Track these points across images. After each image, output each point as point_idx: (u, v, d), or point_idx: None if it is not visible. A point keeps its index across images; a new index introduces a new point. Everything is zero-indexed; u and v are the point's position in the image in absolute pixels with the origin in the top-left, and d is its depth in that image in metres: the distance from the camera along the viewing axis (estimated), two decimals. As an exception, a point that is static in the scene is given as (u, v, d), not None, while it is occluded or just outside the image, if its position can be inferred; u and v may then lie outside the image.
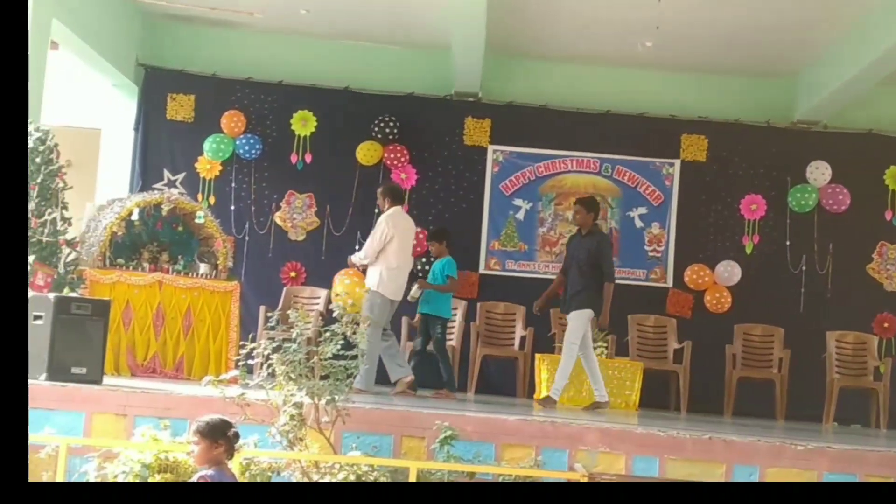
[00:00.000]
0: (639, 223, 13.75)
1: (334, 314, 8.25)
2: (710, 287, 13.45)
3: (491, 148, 13.78)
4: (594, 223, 10.77)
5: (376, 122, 13.43)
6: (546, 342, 12.54)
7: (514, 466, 7.84)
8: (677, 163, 13.77)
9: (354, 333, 8.01)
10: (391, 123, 13.43)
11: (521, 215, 13.75)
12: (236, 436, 5.83)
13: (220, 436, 5.71)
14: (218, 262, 10.85)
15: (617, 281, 13.24)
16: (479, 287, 13.49)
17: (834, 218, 13.53)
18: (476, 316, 12.89)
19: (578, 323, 10.38)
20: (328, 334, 7.93)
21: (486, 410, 9.20)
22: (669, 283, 13.62)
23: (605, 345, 11.70)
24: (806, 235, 13.60)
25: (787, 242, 13.61)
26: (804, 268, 13.56)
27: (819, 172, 13.49)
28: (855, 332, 12.96)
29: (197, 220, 10.92)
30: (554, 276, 13.44)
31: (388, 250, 10.28)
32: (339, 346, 7.87)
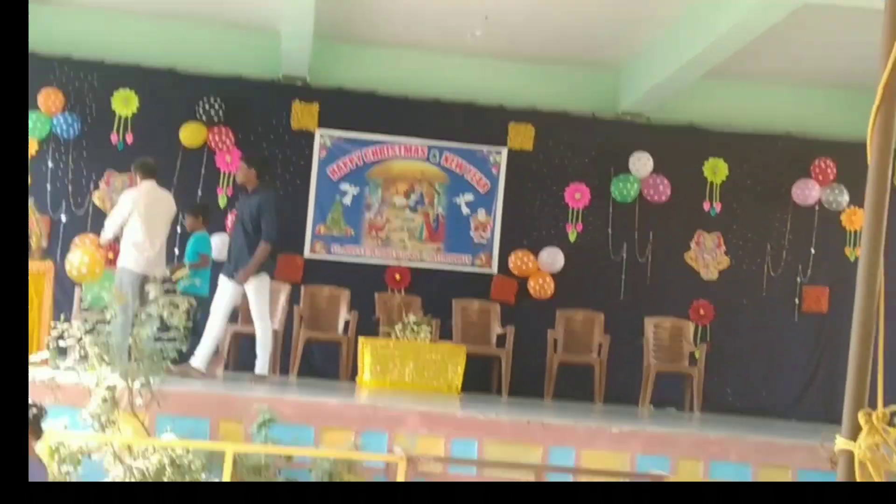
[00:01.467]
0: (465, 210, 13.81)
1: (150, 296, 8.08)
2: (534, 273, 13.60)
3: (318, 132, 13.66)
4: (259, 181, 10.37)
5: (201, 103, 13.17)
6: (371, 326, 12.50)
7: (332, 449, 7.80)
8: (504, 150, 13.87)
9: (172, 315, 7.85)
10: (216, 105, 13.18)
11: (347, 200, 13.67)
12: (36, 416, 5.64)
13: None
14: (31, 243, 10.49)
15: (443, 266, 13.58)
16: (303, 271, 13.36)
17: (655, 207, 13.82)
18: (300, 299, 12.77)
19: (259, 291, 10.22)
20: (144, 316, 7.77)
21: (306, 393, 9.15)
22: (494, 269, 13.72)
23: (430, 329, 11.72)
24: (628, 224, 13.86)
25: (609, 230, 13.85)
26: (625, 255, 13.83)
27: (641, 163, 13.76)
28: (672, 318, 13.28)
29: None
30: (379, 262, 13.52)
31: (133, 225, 10.06)
32: (154, 328, 7.73)
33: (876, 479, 3.17)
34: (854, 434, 3.23)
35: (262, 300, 10.19)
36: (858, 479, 3.20)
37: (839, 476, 3.29)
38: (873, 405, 3.25)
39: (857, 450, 3.20)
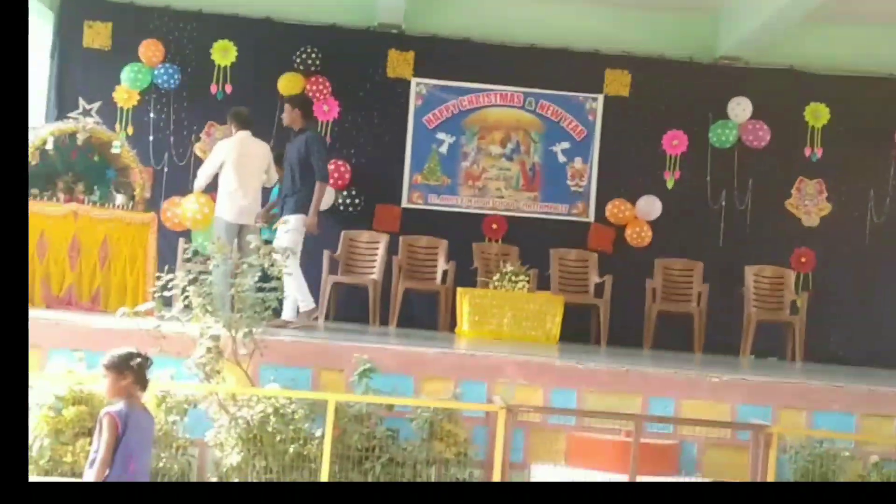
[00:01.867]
0: (561, 158, 13.74)
1: (251, 246, 8.19)
2: (631, 221, 13.51)
3: (414, 81, 13.66)
4: (304, 121, 10.23)
5: (298, 52, 13.26)
6: (468, 276, 12.54)
7: (433, 399, 7.86)
8: (600, 97, 13.77)
9: (272, 265, 7.96)
10: (313, 54, 13.26)
11: (444, 149, 13.68)
12: (141, 365, 5.76)
13: (125, 367, 5.68)
14: (135, 193, 10.66)
15: (539, 215, 13.55)
16: (401, 221, 13.42)
17: (754, 154, 13.63)
18: (398, 249, 12.84)
19: (292, 228, 9.89)
20: (245, 266, 7.88)
21: (405, 343, 9.20)
22: (591, 218, 13.66)
23: (527, 278, 11.71)
24: (726, 171, 13.68)
25: (708, 178, 13.69)
26: (724, 203, 13.66)
27: (740, 108, 13.57)
28: (773, 267, 13.13)
29: (113, 150, 10.72)
30: (477, 211, 13.54)
31: (226, 174, 10.10)
32: (256, 279, 7.83)
33: None
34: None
35: (291, 239, 9.82)
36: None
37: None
38: None
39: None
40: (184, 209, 12.36)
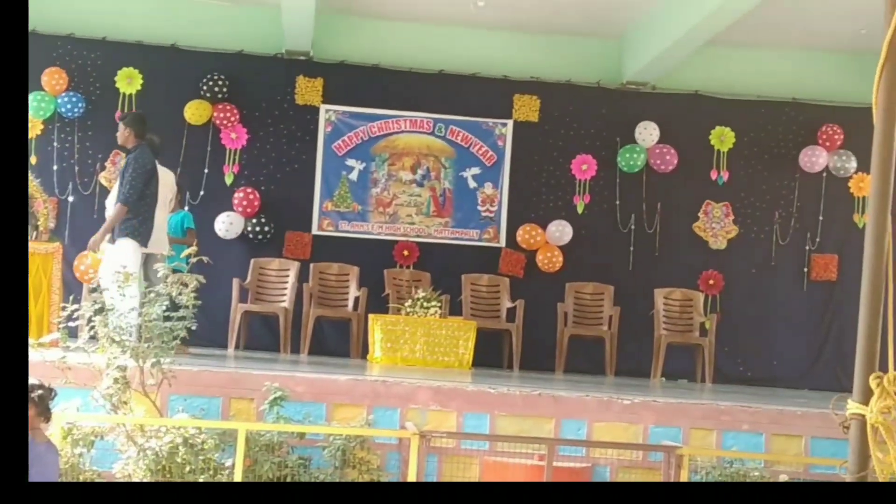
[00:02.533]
0: (472, 183, 13.78)
1: (158, 274, 8.09)
2: (543, 246, 13.57)
3: (323, 107, 13.62)
4: (138, 139, 9.73)
5: (205, 80, 13.14)
6: (380, 302, 12.51)
7: (345, 426, 7.81)
8: (510, 123, 13.84)
9: (181, 294, 7.85)
10: (220, 82, 13.15)
11: (354, 176, 13.64)
12: (43, 397, 5.62)
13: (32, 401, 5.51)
14: (38, 224, 10.48)
15: (451, 241, 13.56)
16: (311, 248, 13.35)
17: (662, 177, 13.78)
18: (309, 277, 12.77)
19: (121, 256, 9.20)
20: (152, 295, 7.77)
21: (316, 371, 9.15)
22: (502, 243, 13.70)
23: (439, 304, 11.71)
24: (635, 195, 13.82)
25: (617, 202, 13.81)
26: (633, 227, 13.78)
27: (647, 133, 13.71)
28: (682, 290, 13.26)
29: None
30: (389, 237, 13.52)
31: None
32: (164, 308, 7.73)
33: (889, 442, 3.16)
34: (866, 398, 3.22)
35: (114, 266, 8.77)
36: (871, 443, 3.18)
37: (851, 441, 3.28)
38: (884, 369, 3.23)
39: (870, 414, 3.19)
40: (94, 260, 11.93)
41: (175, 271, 8.11)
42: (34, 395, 5.56)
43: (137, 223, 9.47)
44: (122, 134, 9.90)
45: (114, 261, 9.23)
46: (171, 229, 11.18)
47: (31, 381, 5.67)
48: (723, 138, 13.90)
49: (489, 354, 12.31)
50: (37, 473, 5.39)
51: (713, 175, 13.92)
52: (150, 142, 10.19)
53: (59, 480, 5.77)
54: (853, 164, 13.73)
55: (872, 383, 3.18)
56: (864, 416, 3.20)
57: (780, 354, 13.64)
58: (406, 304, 11.62)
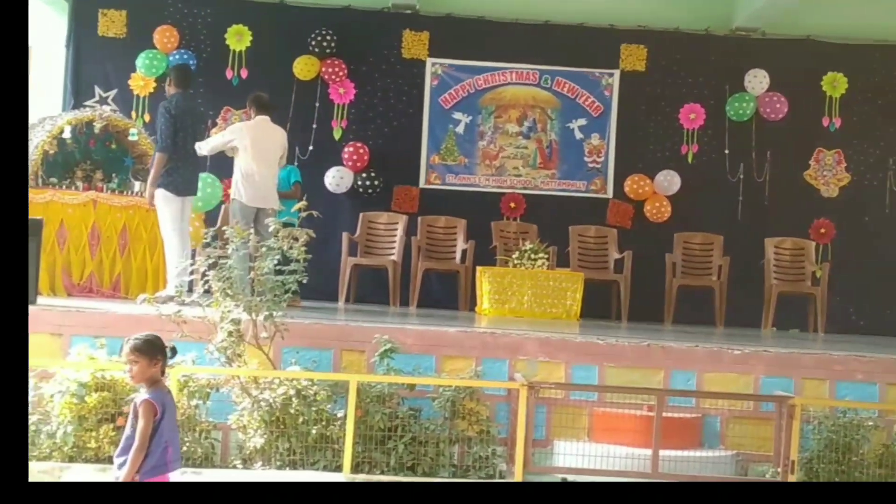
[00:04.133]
0: (578, 134, 13.71)
1: (270, 229, 8.21)
2: (650, 197, 13.47)
3: (430, 61, 13.64)
4: (177, 88, 9.94)
5: (313, 35, 13.24)
6: (488, 255, 12.54)
7: (454, 378, 7.87)
8: (616, 73, 13.72)
9: (291, 248, 7.95)
10: (328, 37, 13.24)
11: (460, 129, 13.66)
12: (173, 351, 5.77)
13: (158, 352, 5.61)
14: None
15: (558, 192, 13.52)
16: (419, 201, 13.43)
17: (771, 126, 13.56)
18: (417, 230, 12.85)
19: (159, 206, 9.66)
20: (264, 249, 7.89)
21: (426, 323, 9.22)
22: (610, 194, 13.63)
23: (547, 256, 11.69)
24: (744, 144, 13.62)
25: (726, 151, 13.63)
26: (742, 176, 13.60)
27: (757, 81, 13.50)
28: (793, 238, 13.08)
29: (130, 138, 10.76)
30: (495, 190, 13.54)
31: (241, 158, 10.05)
32: (276, 262, 7.84)
33: None
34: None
35: (161, 217, 9.67)
36: None
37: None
38: None
39: None
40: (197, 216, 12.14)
41: (286, 225, 8.21)
42: (167, 349, 5.68)
43: (169, 173, 9.64)
44: (167, 86, 10.13)
45: (159, 212, 9.58)
46: (280, 184, 11.35)
47: (156, 335, 5.79)
48: (835, 84, 13.63)
49: (597, 306, 12.28)
50: (169, 426, 5.53)
51: (825, 122, 13.66)
52: (256, 98, 10.36)
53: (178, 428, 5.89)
54: (971, 107, 13.37)
55: None
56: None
57: (894, 303, 13.37)
58: (513, 256, 11.63)
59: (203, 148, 10.07)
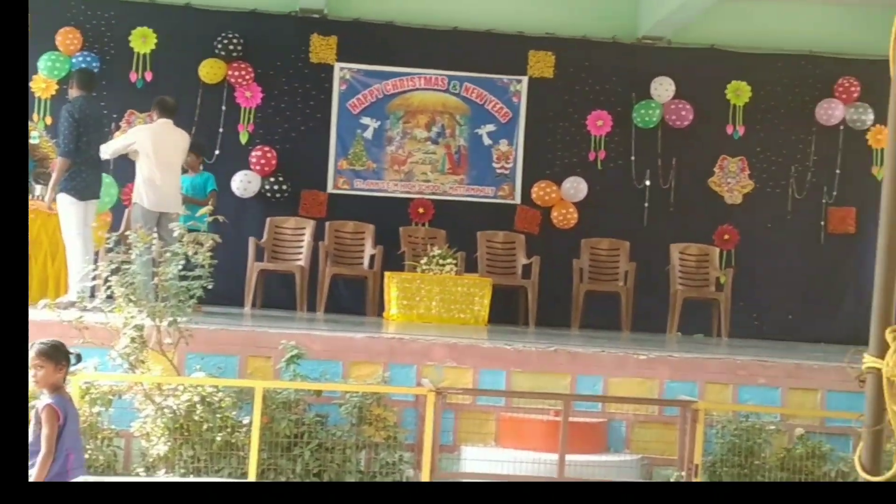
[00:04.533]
0: (487, 140, 13.73)
1: (174, 234, 8.10)
2: (558, 203, 13.54)
3: (338, 65, 13.57)
4: (79, 91, 9.80)
5: (219, 38, 13.08)
6: (396, 260, 12.51)
7: (361, 384, 7.84)
8: (525, 79, 13.76)
9: (196, 254, 7.87)
10: (234, 40, 13.10)
11: (369, 134, 13.61)
12: (78, 358, 5.68)
13: (63, 357, 5.55)
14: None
15: (466, 198, 13.54)
16: (327, 206, 13.34)
17: (677, 133, 13.70)
18: (325, 235, 12.77)
19: (61, 211, 9.51)
20: (169, 255, 7.80)
21: (333, 329, 9.18)
22: (517, 200, 13.66)
23: (455, 261, 11.71)
24: (650, 150, 13.75)
25: (632, 157, 13.74)
26: (648, 182, 13.72)
27: (663, 88, 13.64)
28: (697, 245, 13.24)
29: (31, 141, 10.56)
30: (404, 195, 13.51)
31: (143, 161, 9.97)
32: (180, 267, 7.75)
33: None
34: (881, 352, 3.21)
35: (64, 221, 9.50)
36: (887, 397, 3.18)
37: (867, 395, 3.28)
38: (901, 324, 3.22)
39: (885, 368, 3.18)
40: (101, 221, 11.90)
41: (191, 230, 8.12)
42: (70, 354, 5.60)
43: (71, 177, 9.48)
44: (70, 88, 9.99)
45: (61, 217, 9.44)
46: (193, 190, 11.26)
47: (59, 340, 5.71)
48: (739, 93, 13.82)
49: (505, 311, 12.32)
50: (72, 432, 5.44)
51: (729, 130, 13.84)
52: (160, 101, 10.27)
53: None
54: (870, 116, 13.64)
55: (888, 337, 3.18)
56: (879, 369, 3.19)
57: (798, 308, 13.60)
58: (422, 262, 11.62)
59: (105, 152, 9.96)
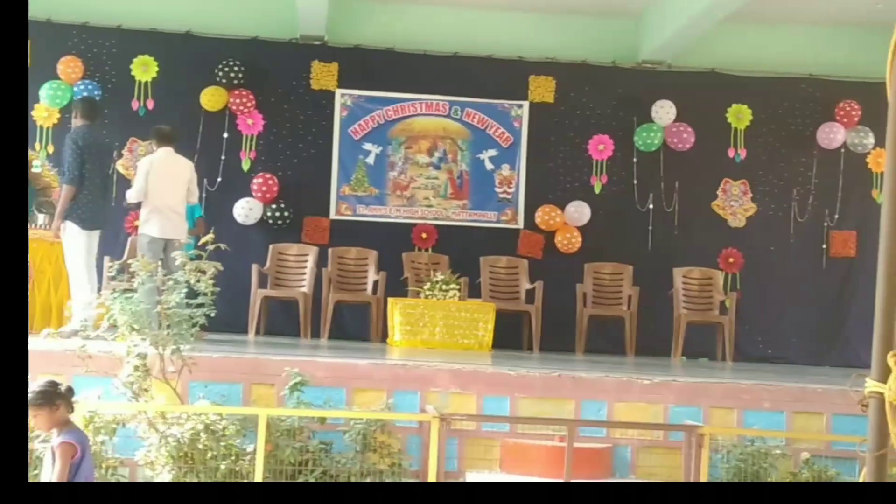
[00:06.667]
0: (489, 165, 13.75)
1: (176, 262, 8.11)
2: (561, 227, 13.55)
3: (339, 92, 13.61)
4: (83, 120, 9.98)
5: (220, 66, 13.13)
6: (399, 286, 12.50)
7: (365, 410, 7.83)
8: (526, 104, 13.79)
9: (199, 282, 7.87)
10: (235, 68, 13.14)
11: (370, 160, 13.63)
12: (70, 391, 5.67)
13: (55, 398, 5.55)
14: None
15: (469, 223, 13.55)
16: (330, 232, 13.36)
17: (679, 156, 13.72)
18: (328, 261, 12.78)
19: (67, 240, 9.65)
20: (171, 283, 7.80)
21: (336, 355, 9.17)
22: (520, 225, 13.67)
23: (458, 287, 11.71)
24: (653, 174, 13.77)
25: (635, 181, 13.76)
26: (651, 206, 13.73)
27: (664, 111, 13.66)
28: (701, 268, 13.22)
29: (33, 170, 10.60)
30: (405, 220, 13.52)
31: (149, 192, 10.00)
32: (183, 295, 7.76)
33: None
34: (884, 376, 3.20)
35: (68, 250, 9.67)
36: (890, 421, 3.17)
37: (870, 419, 3.26)
38: (903, 348, 3.21)
39: (888, 392, 3.17)
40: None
41: (192, 259, 8.13)
42: (62, 390, 5.59)
43: (76, 205, 9.58)
44: (74, 117, 10.10)
45: (65, 246, 9.49)
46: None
47: (47, 380, 5.71)
48: (740, 116, 13.84)
49: (509, 336, 12.30)
50: (87, 465, 5.45)
51: (730, 153, 13.86)
52: (157, 131, 10.32)
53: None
54: (871, 139, 13.65)
55: (890, 361, 3.17)
56: (882, 393, 3.18)
57: (800, 332, 13.59)
58: (425, 287, 11.63)
59: (131, 197, 10.09)
